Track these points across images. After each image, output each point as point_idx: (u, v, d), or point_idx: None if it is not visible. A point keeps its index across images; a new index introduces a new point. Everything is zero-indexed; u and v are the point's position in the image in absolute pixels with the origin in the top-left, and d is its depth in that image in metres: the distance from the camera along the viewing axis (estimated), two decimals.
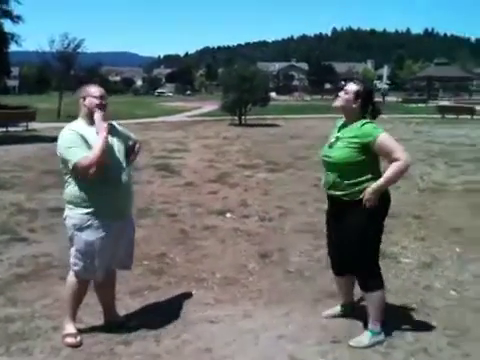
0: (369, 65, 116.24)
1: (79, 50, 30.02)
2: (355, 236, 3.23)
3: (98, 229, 3.22)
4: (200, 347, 3.29)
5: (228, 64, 45.88)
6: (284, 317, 3.71)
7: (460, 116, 27.28)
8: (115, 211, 3.27)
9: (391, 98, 52.51)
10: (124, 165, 3.34)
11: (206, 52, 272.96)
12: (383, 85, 49.98)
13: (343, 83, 3.34)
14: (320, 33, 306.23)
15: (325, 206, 7.14)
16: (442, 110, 29.66)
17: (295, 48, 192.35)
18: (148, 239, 5.58)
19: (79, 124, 3.33)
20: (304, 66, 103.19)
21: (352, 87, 3.27)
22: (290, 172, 10.13)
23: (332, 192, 3.33)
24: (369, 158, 3.21)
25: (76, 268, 3.33)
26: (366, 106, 3.30)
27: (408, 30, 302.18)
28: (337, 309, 3.70)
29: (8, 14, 31.13)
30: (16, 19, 31.59)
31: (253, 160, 11.80)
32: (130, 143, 3.55)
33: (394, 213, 6.66)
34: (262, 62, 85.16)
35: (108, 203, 3.22)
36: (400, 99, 47.22)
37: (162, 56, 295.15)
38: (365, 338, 3.33)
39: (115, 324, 3.55)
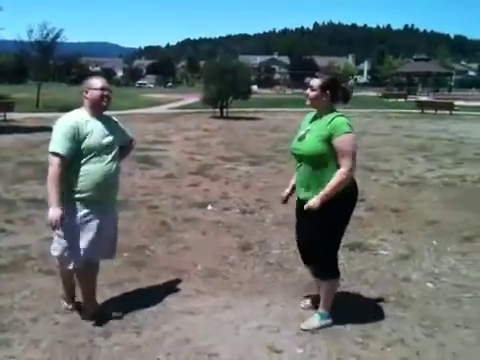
0: (350, 60, 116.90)
1: (58, 40, 29.47)
2: (318, 229, 3.29)
3: (82, 216, 3.29)
4: (180, 338, 3.31)
5: (210, 56, 45.69)
6: (264, 308, 3.75)
7: (439, 111, 27.64)
8: (101, 200, 3.35)
9: (371, 93, 52.95)
10: (113, 157, 3.41)
11: (187, 44, 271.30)
12: (350, 81, 50.91)
13: (307, 79, 3.34)
14: (302, 27, 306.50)
15: None
16: (421, 105, 30.01)
17: (277, 42, 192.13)
18: (128, 231, 5.55)
19: (81, 114, 3.39)
20: (285, 60, 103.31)
21: (316, 82, 3.29)
22: (271, 165, 10.17)
23: (300, 191, 3.38)
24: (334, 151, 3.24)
25: (55, 253, 3.42)
26: (335, 95, 3.34)
27: (389, 26, 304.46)
28: (314, 299, 3.74)
29: None
30: None
31: (234, 153, 11.80)
32: (125, 139, 3.71)
33: (373, 206, 6.79)
34: (244, 55, 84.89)
35: (94, 192, 3.30)
36: (380, 94, 47.56)
37: (143, 47, 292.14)
38: (315, 321, 3.47)
39: (93, 312, 3.56)
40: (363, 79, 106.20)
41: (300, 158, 3.35)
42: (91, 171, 3.29)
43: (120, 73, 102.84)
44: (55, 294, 3.78)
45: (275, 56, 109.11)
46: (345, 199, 3.28)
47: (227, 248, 5.10)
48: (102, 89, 3.37)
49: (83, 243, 3.30)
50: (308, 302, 3.78)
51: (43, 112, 23.00)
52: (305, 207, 3.21)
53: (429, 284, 4.27)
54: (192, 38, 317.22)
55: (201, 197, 7.28)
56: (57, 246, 3.39)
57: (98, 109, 3.40)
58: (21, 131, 15.49)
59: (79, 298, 3.69)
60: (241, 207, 6.72)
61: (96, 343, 3.23)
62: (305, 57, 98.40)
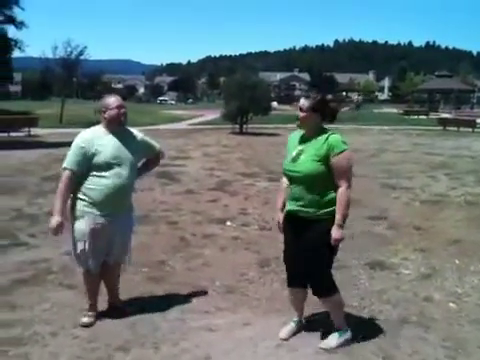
0: (371, 76, 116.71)
1: (82, 57, 30.19)
2: (312, 250, 3.28)
3: (91, 220, 3.52)
4: (199, 355, 3.29)
5: (230, 73, 46.03)
6: (282, 326, 3.70)
7: (461, 129, 27.33)
8: (110, 208, 3.53)
9: (392, 110, 52.64)
10: (128, 167, 3.59)
11: (208, 61, 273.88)
12: (356, 97, 51.47)
13: (302, 102, 3.33)
14: (322, 44, 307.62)
15: None
16: (443, 122, 29.73)
17: (297, 58, 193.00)
18: (148, 246, 5.58)
19: (97, 130, 3.64)
20: (306, 76, 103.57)
21: (305, 103, 3.29)
22: None
23: (294, 208, 3.34)
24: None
25: (72, 256, 3.69)
26: (325, 114, 3.34)
27: (410, 42, 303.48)
28: (292, 325, 3.65)
29: (12, 20, 31.26)
30: (19, 25, 31.71)
31: (253, 169, 11.82)
32: (153, 152, 3.92)
33: (395, 224, 6.71)
34: (264, 72, 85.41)
35: (105, 200, 3.51)
36: (401, 111, 47.28)
37: (165, 64, 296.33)
38: (332, 339, 3.43)
39: (116, 308, 3.87)
40: (384, 96, 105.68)
41: (295, 179, 3.32)
42: (102, 183, 3.50)
43: (142, 90, 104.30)
44: (75, 308, 3.82)
45: (295, 73, 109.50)
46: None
47: (246, 264, 5.09)
48: (118, 108, 3.59)
49: (91, 246, 3.55)
50: (286, 330, 3.61)
51: (66, 128, 23.39)
52: (333, 241, 3.20)
53: (451, 304, 4.19)
54: (213, 55, 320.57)
55: (220, 213, 7.29)
56: (71, 249, 3.70)
57: (116, 125, 3.62)
58: (45, 146, 15.77)
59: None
60: (260, 223, 6.71)
61: (115, 358, 3.24)
62: (325, 74, 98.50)
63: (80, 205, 3.54)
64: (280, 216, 3.51)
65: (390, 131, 26.06)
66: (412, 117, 40.32)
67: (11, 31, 33.56)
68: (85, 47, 30.02)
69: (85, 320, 3.68)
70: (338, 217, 3.19)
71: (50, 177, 9.78)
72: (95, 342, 3.43)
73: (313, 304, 4.10)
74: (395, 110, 50.69)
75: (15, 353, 3.27)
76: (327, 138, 3.23)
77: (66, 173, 3.51)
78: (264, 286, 4.53)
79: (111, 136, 3.59)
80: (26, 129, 20.78)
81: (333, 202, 3.22)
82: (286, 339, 3.52)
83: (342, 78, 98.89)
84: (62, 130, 22.30)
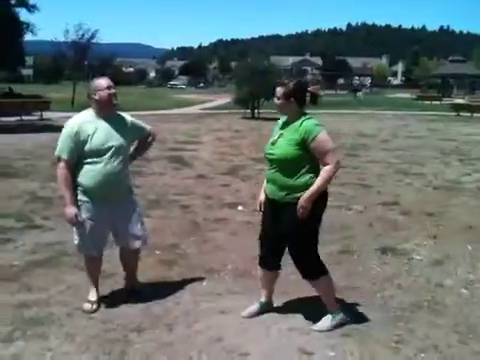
0: (384, 61, 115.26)
1: (93, 41, 30.10)
2: (293, 234, 3.32)
3: (88, 209, 3.54)
4: (212, 336, 3.34)
5: (241, 57, 45.74)
6: (294, 309, 3.74)
7: (475, 114, 27.00)
8: (104, 195, 3.52)
9: (405, 94, 52.07)
10: (117, 157, 3.54)
11: (219, 45, 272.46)
12: (355, 81, 51.11)
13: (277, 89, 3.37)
14: (335, 28, 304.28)
15: (336, 201, 7.17)
16: (457, 108, 29.36)
17: (309, 42, 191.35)
18: (160, 230, 5.63)
19: (87, 114, 3.59)
20: (318, 61, 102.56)
21: (279, 91, 3.33)
22: None
23: (270, 191, 3.39)
24: (309, 155, 3.25)
25: (74, 243, 3.73)
26: (302, 99, 3.35)
27: (424, 26, 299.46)
28: (257, 306, 3.68)
29: (24, 3, 31.20)
30: (32, 8, 31.62)
31: (261, 154, 11.79)
32: (143, 134, 3.86)
33: (407, 210, 6.69)
34: (275, 56, 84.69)
35: (98, 187, 3.50)
36: (414, 96, 46.76)
37: (175, 48, 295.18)
38: (326, 321, 3.47)
39: (134, 291, 3.90)
40: (397, 81, 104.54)
41: (273, 162, 3.36)
42: (94, 170, 3.48)
43: (153, 74, 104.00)
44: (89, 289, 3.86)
45: (307, 57, 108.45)
46: (320, 197, 3.29)
47: (257, 249, 5.09)
48: (108, 88, 3.51)
49: (90, 233, 3.58)
50: (250, 309, 3.66)
51: (78, 111, 23.34)
52: (298, 208, 3.19)
53: (464, 290, 4.19)
54: (224, 39, 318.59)
55: (232, 197, 7.32)
56: (74, 237, 3.71)
57: (109, 108, 3.56)
58: (57, 130, 15.73)
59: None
60: None
61: (129, 339, 3.30)
62: (338, 58, 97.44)
63: (78, 193, 3.55)
64: (262, 197, 3.55)
65: (403, 116, 25.83)
66: (425, 102, 39.86)
67: (23, 14, 33.50)
68: (96, 30, 29.96)
69: (87, 307, 3.68)
70: (312, 188, 3.19)
71: None
72: (110, 323, 3.49)
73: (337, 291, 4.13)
74: (408, 95, 50.14)
75: (33, 333, 3.33)
76: (301, 124, 3.27)
77: (61, 163, 3.51)
78: None
79: (102, 121, 3.53)
80: (38, 112, 20.88)
81: (307, 186, 3.23)
82: (247, 317, 3.58)
83: (355, 62, 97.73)
84: (74, 113, 22.09)
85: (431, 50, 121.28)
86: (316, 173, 3.27)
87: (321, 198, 3.30)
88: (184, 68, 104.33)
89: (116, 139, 3.53)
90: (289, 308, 3.77)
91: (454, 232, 5.76)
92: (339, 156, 3.30)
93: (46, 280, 4.20)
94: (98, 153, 3.47)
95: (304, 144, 3.21)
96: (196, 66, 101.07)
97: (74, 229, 3.65)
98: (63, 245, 5.04)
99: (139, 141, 3.92)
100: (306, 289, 4.11)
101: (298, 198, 3.23)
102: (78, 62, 31.26)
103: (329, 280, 3.52)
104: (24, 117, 19.94)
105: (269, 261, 3.57)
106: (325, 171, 3.21)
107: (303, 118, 3.31)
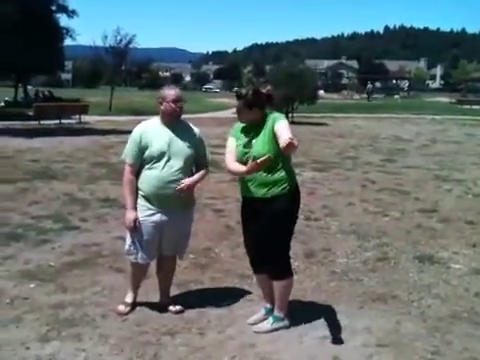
0: (422, 64, 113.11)
1: (131, 45, 30.57)
2: (270, 229, 3.32)
3: (142, 213, 3.54)
4: (244, 342, 3.31)
5: (276, 61, 45.64)
6: (328, 318, 3.68)
7: None
8: (160, 201, 3.51)
9: (443, 98, 50.91)
10: (180, 160, 3.52)
11: (254, 49, 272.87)
12: (369, 85, 51.36)
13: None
14: (372, 31, 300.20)
15: (372, 207, 7.05)
16: None
17: (345, 46, 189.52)
18: (194, 233, 5.56)
19: (153, 122, 3.66)
20: (354, 64, 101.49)
21: (240, 104, 3.39)
22: (336, 172, 10.01)
23: (253, 192, 3.35)
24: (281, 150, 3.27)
25: (125, 247, 3.73)
26: (260, 104, 3.37)
27: (463, 29, 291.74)
28: (262, 312, 3.64)
29: (64, 9, 32.02)
30: (71, 14, 32.42)
31: (299, 158, 11.69)
32: (201, 162, 3.74)
33: (446, 217, 6.51)
34: (311, 59, 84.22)
35: (154, 192, 3.50)
36: (453, 100, 45.63)
37: (210, 52, 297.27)
38: (267, 324, 3.49)
39: (163, 306, 3.79)
40: (435, 84, 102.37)
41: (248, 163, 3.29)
42: (152, 175, 3.50)
43: (188, 78, 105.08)
44: (124, 291, 3.90)
45: (343, 60, 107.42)
46: (292, 196, 3.38)
47: (291, 254, 5.04)
48: (174, 102, 3.51)
49: (141, 236, 3.56)
50: (255, 316, 3.63)
51: (115, 115, 23.90)
52: (286, 143, 3.04)
53: None
54: (259, 43, 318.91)
55: None
56: (126, 240, 3.70)
57: (171, 118, 3.57)
58: (95, 133, 16.17)
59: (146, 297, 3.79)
60: (306, 213, 6.65)
61: (162, 342, 3.31)
62: (375, 61, 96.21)
63: (138, 195, 3.58)
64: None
65: (442, 121, 25.26)
66: (465, 106, 38.86)
67: (63, 20, 34.37)
68: (134, 35, 30.45)
69: (121, 308, 3.71)
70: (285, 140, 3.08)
71: (100, 163, 10.06)
72: (144, 326, 3.51)
73: (362, 299, 4.06)
74: (447, 99, 49.01)
75: (67, 333, 3.39)
76: (269, 118, 3.37)
77: (126, 168, 3.58)
78: (310, 277, 4.50)
79: (165, 127, 3.56)
80: (77, 116, 21.36)
81: (286, 179, 3.33)
82: (251, 324, 3.55)
83: (392, 66, 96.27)
84: (111, 117, 22.79)
85: (471, 53, 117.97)
86: (290, 166, 3.42)
87: (295, 195, 3.42)
88: (219, 72, 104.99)
89: (176, 146, 3.52)
90: (324, 316, 3.70)
91: None
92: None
93: (82, 281, 4.27)
94: (158, 158, 3.49)
95: (273, 133, 3.27)
96: (230, 70, 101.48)
97: (128, 233, 3.66)
98: (99, 246, 5.12)
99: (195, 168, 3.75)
100: (341, 298, 4.06)
101: (279, 192, 3.31)
102: (116, 67, 31.83)
103: (292, 283, 3.55)
104: (63, 120, 20.43)
105: (261, 265, 3.52)
106: (287, 138, 3.09)
107: (269, 115, 3.40)
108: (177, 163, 3.51)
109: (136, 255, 3.65)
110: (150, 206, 3.53)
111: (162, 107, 3.54)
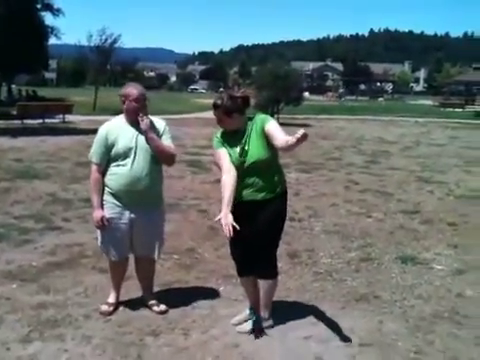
0: (406, 67, 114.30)
1: (116, 45, 30.46)
2: (268, 230, 3.33)
3: (110, 210, 3.55)
4: (228, 343, 3.31)
5: (262, 62, 45.76)
6: (312, 317, 3.69)
7: None
8: (129, 198, 3.53)
9: (427, 101, 51.50)
10: (146, 158, 3.52)
11: (240, 50, 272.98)
12: (340, 90, 52.98)
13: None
14: (357, 33, 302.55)
15: (355, 208, 7.11)
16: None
17: (330, 48, 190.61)
18: (177, 234, 5.64)
19: (118, 120, 3.63)
20: (339, 66, 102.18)
21: (219, 113, 3.36)
22: (321, 173, 10.06)
23: (249, 195, 3.31)
24: (274, 153, 3.32)
25: (98, 244, 3.79)
26: (239, 109, 3.32)
27: (447, 33, 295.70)
28: (246, 313, 3.63)
29: (49, 7, 31.72)
30: (56, 12, 32.15)
31: (284, 159, 11.74)
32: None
33: (428, 219, 6.59)
34: (296, 61, 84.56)
35: (123, 190, 3.52)
36: (436, 103, 46.20)
37: (197, 53, 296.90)
38: (250, 324, 3.48)
39: (146, 306, 3.78)
40: (419, 87, 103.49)
41: (249, 169, 3.28)
42: (119, 173, 3.50)
43: (174, 78, 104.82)
44: (107, 292, 3.87)
45: (328, 62, 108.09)
46: (285, 196, 3.43)
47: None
48: (136, 101, 3.47)
49: (110, 235, 3.59)
50: (238, 317, 3.62)
51: (100, 115, 23.71)
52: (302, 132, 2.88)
53: None
54: (245, 44, 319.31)
55: None
56: (98, 238, 3.73)
57: (134, 116, 3.52)
58: (79, 133, 16.04)
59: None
60: (290, 214, 6.62)
61: (146, 342, 3.29)
62: (360, 64, 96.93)
63: (105, 193, 3.59)
64: (230, 219, 3.18)
65: (425, 123, 25.55)
66: (448, 109, 39.38)
67: (48, 18, 33.98)
68: (119, 35, 30.31)
69: (104, 308, 3.69)
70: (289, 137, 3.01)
71: (83, 163, 9.94)
72: (127, 326, 3.49)
73: (346, 299, 4.08)
74: (430, 102, 49.61)
75: (50, 334, 3.35)
76: (255, 121, 3.34)
77: (93, 167, 3.58)
78: (293, 278, 4.52)
79: (130, 125, 3.54)
80: (61, 115, 21.16)
81: (280, 182, 3.38)
82: (235, 324, 3.55)
83: (377, 68, 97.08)
84: (95, 117, 22.57)
85: (454, 57, 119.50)
86: (280, 166, 3.46)
87: (285, 195, 3.43)
88: (205, 73, 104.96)
89: (142, 142, 3.51)
90: (307, 316, 3.72)
91: (476, 242, 5.63)
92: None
93: (64, 281, 4.23)
94: (124, 156, 3.49)
95: (264, 134, 3.25)
96: (216, 71, 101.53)
97: (98, 231, 3.67)
98: (82, 246, 5.08)
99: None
100: (325, 298, 4.09)
101: (276, 194, 3.33)
102: (101, 66, 31.65)
103: (276, 285, 3.56)
104: (47, 120, 20.23)
105: (248, 267, 3.48)
106: (292, 137, 2.95)
107: (253, 117, 3.38)
108: (145, 159, 3.52)
109: (108, 252, 3.70)
110: (118, 203, 3.54)
111: (125, 105, 3.51)
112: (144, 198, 3.57)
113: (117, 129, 3.54)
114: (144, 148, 3.52)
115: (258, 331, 3.44)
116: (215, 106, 3.35)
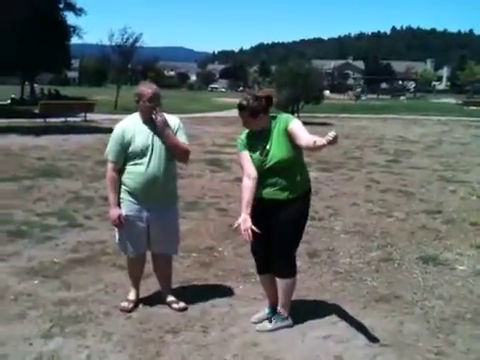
0: (428, 65, 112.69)
1: (137, 44, 30.66)
2: (290, 230, 3.33)
3: (127, 207, 3.58)
4: (247, 341, 3.32)
5: (282, 61, 45.63)
6: (331, 317, 3.67)
7: None
8: (146, 196, 3.54)
9: (450, 100, 50.71)
10: (162, 156, 3.55)
11: (260, 48, 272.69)
12: (357, 88, 51.92)
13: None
14: (378, 31, 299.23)
15: (376, 208, 7.03)
16: None
17: (352, 46, 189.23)
18: (197, 232, 5.66)
19: (133, 118, 3.64)
20: (360, 65, 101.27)
21: (246, 115, 3.34)
22: (341, 172, 9.99)
23: (272, 194, 3.31)
24: (298, 152, 3.33)
25: (116, 242, 3.85)
26: (263, 109, 3.32)
27: (471, 30, 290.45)
28: (265, 311, 3.64)
29: (71, 7, 32.12)
30: (78, 12, 32.54)
31: (304, 158, 11.70)
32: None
33: (450, 219, 6.49)
34: (317, 59, 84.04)
35: (140, 188, 3.54)
36: (460, 101, 45.45)
37: (217, 52, 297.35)
38: (270, 323, 3.49)
39: (166, 304, 3.81)
40: (442, 85, 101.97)
41: (272, 170, 3.29)
42: (137, 171, 3.53)
43: (194, 77, 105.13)
44: (127, 289, 3.91)
45: (349, 61, 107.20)
46: (308, 195, 3.46)
47: None
48: (150, 100, 3.48)
49: (127, 232, 3.63)
50: (258, 315, 3.63)
51: (121, 114, 23.88)
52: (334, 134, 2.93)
53: None
54: (265, 42, 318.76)
55: None
56: (116, 235, 3.78)
57: (149, 115, 3.54)
58: (100, 131, 16.19)
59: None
60: (310, 213, 6.63)
61: (165, 339, 3.31)
62: (381, 62, 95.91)
63: (122, 191, 3.62)
64: (248, 224, 3.22)
65: (448, 122, 25.17)
66: (471, 108, 38.69)
67: (70, 18, 34.45)
68: (140, 34, 30.50)
69: (124, 305, 3.73)
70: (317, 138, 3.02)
71: (104, 161, 10.01)
72: (146, 323, 3.52)
73: (366, 299, 4.05)
74: (453, 100, 48.83)
75: (71, 330, 3.40)
76: (278, 121, 3.34)
77: (109, 165, 3.61)
78: (313, 276, 4.50)
79: (146, 124, 3.55)
80: (83, 114, 21.41)
81: (304, 183, 3.41)
82: (255, 323, 3.55)
83: (399, 66, 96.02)
84: (116, 116, 22.74)
85: (478, 54, 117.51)
86: (305, 167, 3.46)
87: (308, 195, 3.45)
88: (224, 72, 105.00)
89: (158, 140, 3.54)
90: (327, 316, 3.70)
91: None
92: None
93: (85, 278, 4.28)
94: (141, 155, 3.52)
95: (288, 133, 3.25)
96: (236, 70, 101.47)
97: (116, 229, 3.72)
98: (103, 244, 5.13)
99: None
100: (345, 298, 4.06)
101: (299, 194, 3.33)
102: (122, 65, 31.90)
103: (295, 283, 3.55)
104: (69, 118, 20.49)
105: (267, 265, 3.50)
106: (319, 139, 3.01)
107: (276, 117, 3.37)
108: (161, 157, 3.54)
109: (125, 249, 3.75)
110: (135, 201, 3.57)
111: (139, 105, 3.52)
112: (160, 195, 3.61)
113: (133, 127, 3.56)
114: (160, 146, 3.55)
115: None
116: (241, 107, 3.35)
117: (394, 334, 3.44)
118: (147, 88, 3.54)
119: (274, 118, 3.38)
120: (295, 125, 3.27)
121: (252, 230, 3.19)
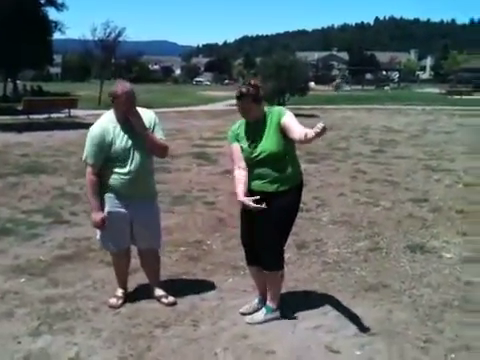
0: (412, 55, 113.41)
1: (120, 39, 30.31)
2: (279, 222, 3.32)
3: (110, 203, 3.55)
4: (237, 333, 3.32)
5: (267, 53, 45.51)
6: (321, 308, 3.69)
7: None
8: (128, 192, 3.51)
9: (433, 89, 51.10)
10: (142, 154, 3.52)
11: (244, 41, 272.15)
12: (337, 80, 52.43)
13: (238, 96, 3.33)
14: (362, 22, 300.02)
15: (363, 197, 7.06)
16: None
17: (335, 37, 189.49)
18: (185, 226, 5.64)
19: (110, 118, 3.56)
20: (344, 56, 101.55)
21: (248, 101, 3.28)
22: (327, 163, 10.01)
23: (261, 186, 3.30)
24: (290, 146, 3.31)
25: (97, 238, 3.81)
26: (260, 99, 3.33)
27: (453, 20, 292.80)
28: (256, 302, 3.66)
29: (52, 2, 31.65)
30: (60, 7, 32.06)
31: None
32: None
33: (436, 207, 6.54)
34: (301, 51, 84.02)
35: (120, 185, 3.51)
36: (443, 91, 45.82)
37: (201, 45, 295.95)
38: (260, 315, 3.50)
39: (155, 298, 3.80)
40: (425, 75, 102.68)
41: (261, 161, 3.29)
42: (118, 172, 3.49)
43: (178, 71, 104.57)
44: (116, 285, 3.88)
45: (334, 52, 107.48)
46: (300, 189, 3.43)
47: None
48: (124, 98, 3.39)
49: (109, 228, 3.57)
50: (247, 306, 3.66)
51: (104, 109, 23.57)
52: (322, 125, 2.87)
53: None
54: (249, 35, 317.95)
55: None
56: (97, 232, 3.75)
57: (124, 114, 3.48)
58: (84, 127, 15.95)
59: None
60: None
61: (155, 334, 3.30)
62: (365, 53, 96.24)
63: (103, 194, 3.57)
64: (244, 198, 3.28)
65: (432, 111, 25.36)
66: (455, 97, 39.04)
67: (52, 13, 34.00)
68: (123, 28, 30.16)
69: (112, 301, 3.72)
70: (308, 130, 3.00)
71: None
72: (136, 318, 3.50)
73: (355, 289, 4.07)
74: (437, 90, 49.21)
75: (59, 327, 3.37)
76: (271, 112, 3.34)
77: (88, 169, 3.55)
78: (301, 268, 4.51)
79: (123, 122, 3.49)
80: (66, 110, 21.18)
81: (295, 176, 3.38)
82: (244, 314, 3.56)
83: (383, 57, 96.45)
84: (100, 111, 22.46)
85: (461, 44, 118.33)
86: (296, 159, 3.43)
87: (300, 188, 3.43)
88: (209, 65, 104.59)
89: (138, 140, 3.50)
90: (316, 306, 3.71)
91: None
92: None
93: (73, 275, 4.25)
94: (122, 156, 3.47)
95: (280, 126, 3.24)
96: (221, 63, 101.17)
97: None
98: (90, 240, 5.08)
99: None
100: (334, 288, 4.07)
101: (289, 186, 3.31)
102: (105, 60, 31.55)
103: (283, 274, 3.55)
104: (52, 115, 20.25)
105: (257, 257, 3.49)
106: (309, 132, 2.97)
107: (269, 109, 3.37)
108: (141, 155, 3.52)
109: (107, 245, 3.74)
110: (118, 198, 3.54)
111: (114, 104, 3.47)
112: (142, 192, 3.60)
113: (113, 129, 3.48)
114: (140, 145, 3.51)
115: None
116: (242, 95, 3.30)
117: (383, 323, 3.47)
118: (118, 86, 3.44)
119: (267, 110, 3.37)
120: (288, 119, 3.26)
121: (249, 211, 3.25)
